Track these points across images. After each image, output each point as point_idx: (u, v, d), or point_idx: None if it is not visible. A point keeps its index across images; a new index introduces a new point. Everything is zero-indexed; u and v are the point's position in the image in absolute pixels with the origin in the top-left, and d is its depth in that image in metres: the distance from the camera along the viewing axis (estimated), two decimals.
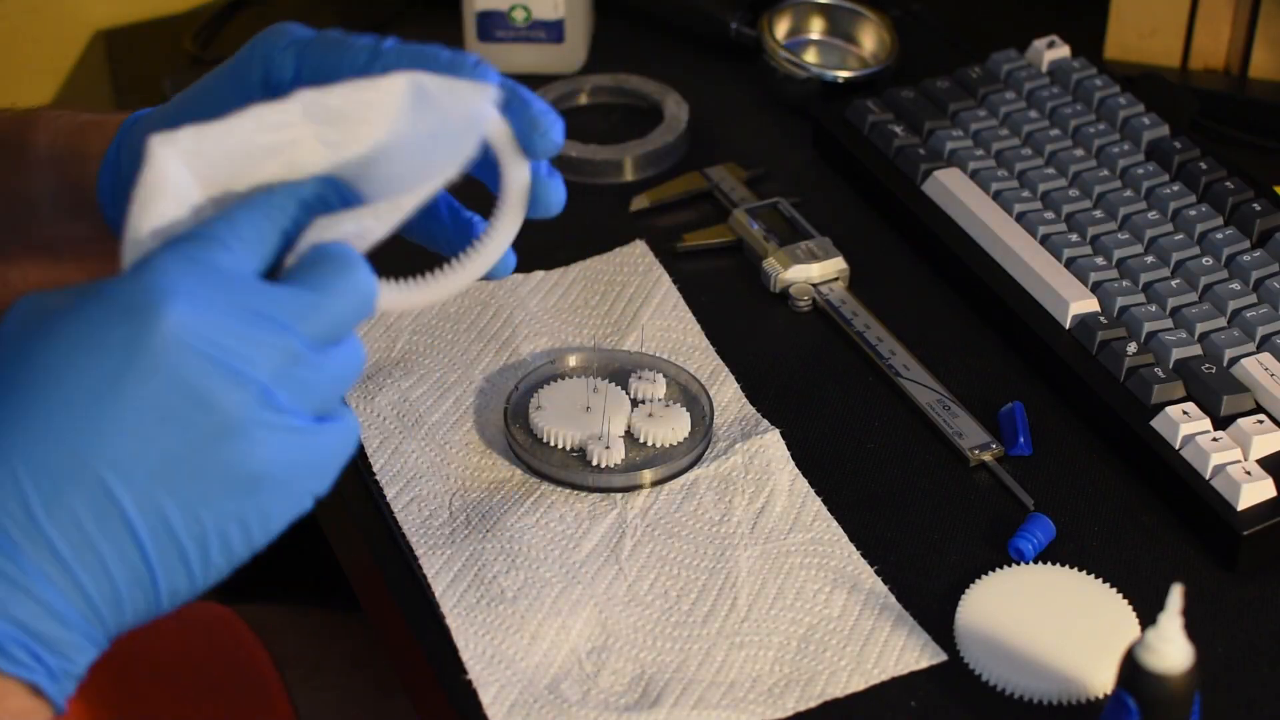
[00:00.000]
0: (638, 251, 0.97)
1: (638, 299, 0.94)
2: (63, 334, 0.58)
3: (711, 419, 0.86)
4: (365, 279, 0.62)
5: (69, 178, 0.76)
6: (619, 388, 0.87)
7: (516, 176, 0.66)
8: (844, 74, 1.09)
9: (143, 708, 0.98)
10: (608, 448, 0.83)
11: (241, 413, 0.58)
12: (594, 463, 0.83)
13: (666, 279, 0.95)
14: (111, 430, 0.57)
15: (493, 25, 1.13)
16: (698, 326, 0.92)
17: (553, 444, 0.84)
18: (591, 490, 0.83)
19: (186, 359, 0.57)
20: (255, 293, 0.60)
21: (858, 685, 0.74)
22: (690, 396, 0.87)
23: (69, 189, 0.76)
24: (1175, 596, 0.63)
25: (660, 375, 0.88)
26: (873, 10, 1.12)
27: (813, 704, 0.73)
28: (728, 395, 0.88)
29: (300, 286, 0.61)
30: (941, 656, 0.75)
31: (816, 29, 1.13)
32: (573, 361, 0.89)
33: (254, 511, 0.60)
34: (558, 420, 0.84)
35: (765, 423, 0.86)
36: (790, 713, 0.73)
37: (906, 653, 0.75)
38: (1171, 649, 0.64)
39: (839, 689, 0.74)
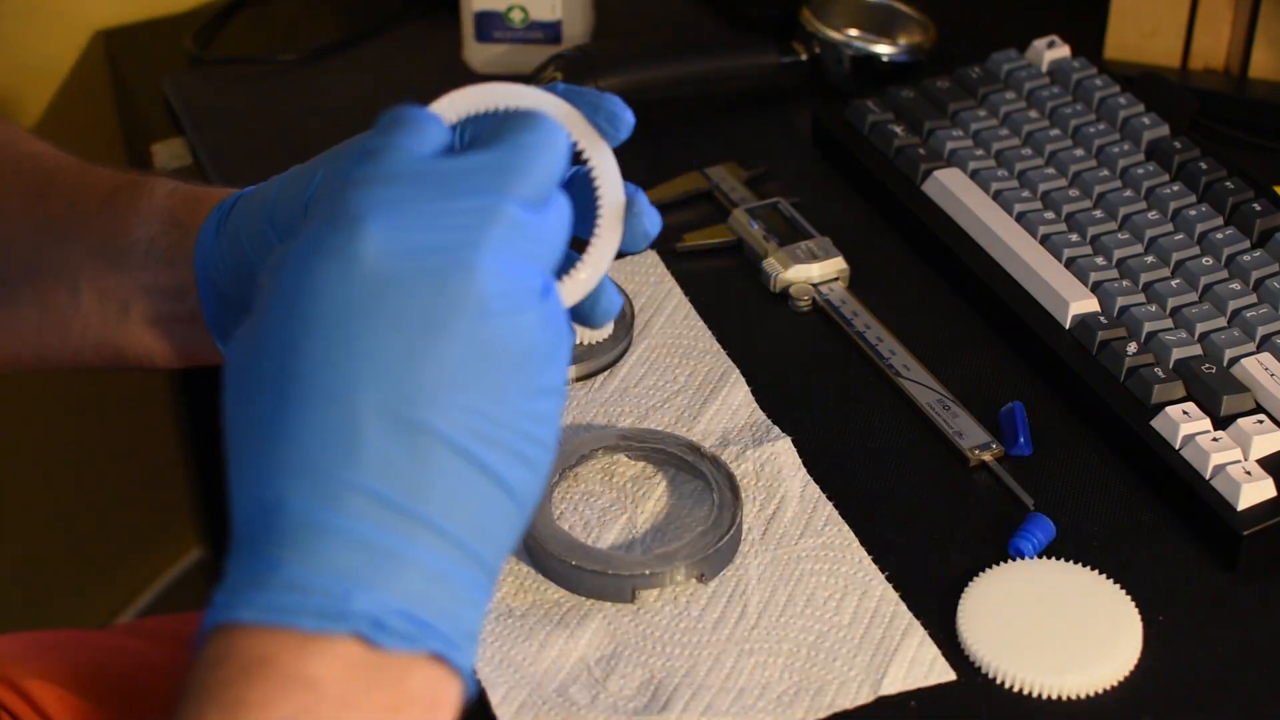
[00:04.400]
0: (649, 261, 0.97)
1: (649, 308, 0.94)
2: (284, 287, 0.56)
3: (632, 320, 0.91)
4: (556, 127, 0.59)
5: (178, 222, 0.75)
6: None
7: (604, 164, 0.65)
8: (888, 50, 1.10)
9: (168, 715, 0.97)
10: None
11: (479, 289, 0.56)
12: None
13: (678, 290, 0.95)
14: (375, 357, 0.55)
15: (490, 26, 1.13)
16: (709, 334, 0.92)
17: None
18: None
19: (399, 266, 0.55)
20: (453, 172, 0.57)
21: (866, 697, 0.74)
22: None
23: (174, 235, 0.76)
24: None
25: None
26: (910, 7, 1.13)
27: (823, 714, 0.73)
28: (738, 399, 0.88)
29: (496, 149, 0.58)
30: (950, 676, 0.75)
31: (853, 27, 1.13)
32: None
33: (539, 390, 0.57)
34: None
35: (776, 430, 0.86)
36: None
37: (916, 666, 0.75)
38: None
39: (849, 700, 0.74)
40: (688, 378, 0.89)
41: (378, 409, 0.55)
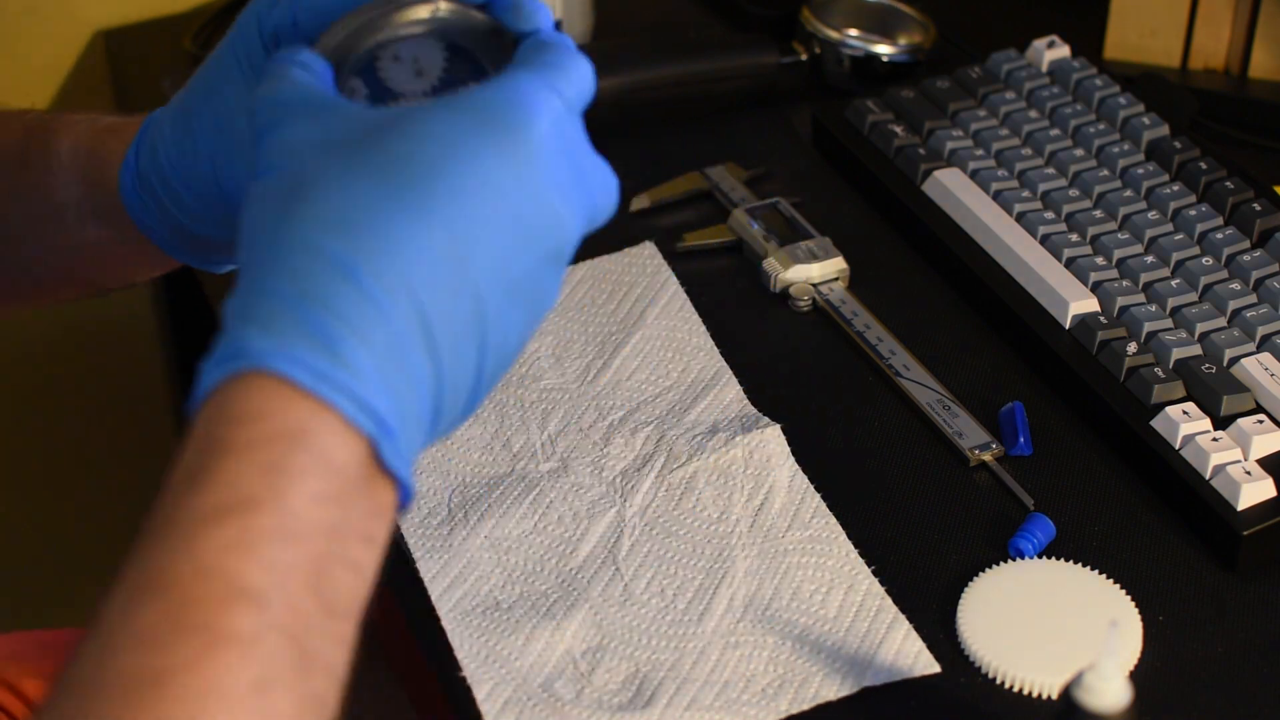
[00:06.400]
0: (646, 253, 0.97)
1: (645, 299, 0.94)
2: (435, 136, 0.58)
3: None
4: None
5: (91, 182, 0.77)
6: None
7: None
8: (888, 50, 1.09)
9: None
10: None
11: (570, 220, 0.60)
12: None
13: (674, 281, 0.95)
14: (481, 224, 0.57)
15: None
16: (703, 328, 0.92)
17: None
18: None
19: (554, 166, 0.59)
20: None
21: (851, 689, 0.74)
22: None
23: (91, 193, 0.77)
24: (1113, 638, 0.62)
25: None
26: (910, 7, 1.13)
27: (806, 706, 0.73)
28: (730, 396, 0.88)
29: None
30: (935, 668, 0.75)
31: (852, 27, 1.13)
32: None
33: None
34: None
35: (766, 419, 0.86)
36: (783, 715, 0.73)
37: (901, 659, 0.75)
38: (1110, 689, 0.63)
39: (833, 692, 0.74)
40: (680, 374, 0.89)
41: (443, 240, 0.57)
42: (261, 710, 0.52)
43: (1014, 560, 0.79)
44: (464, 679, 0.74)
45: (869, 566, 0.79)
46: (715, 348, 0.91)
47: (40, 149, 0.78)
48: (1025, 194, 0.96)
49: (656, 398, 0.88)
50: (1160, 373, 0.85)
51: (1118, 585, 0.78)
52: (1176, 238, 0.92)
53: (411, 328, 0.56)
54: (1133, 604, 0.77)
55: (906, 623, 0.76)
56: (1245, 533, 0.79)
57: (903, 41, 1.11)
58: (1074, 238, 0.93)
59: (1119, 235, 0.93)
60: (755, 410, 0.87)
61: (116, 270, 0.81)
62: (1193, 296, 0.89)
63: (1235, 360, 0.86)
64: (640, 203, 1.02)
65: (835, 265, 0.95)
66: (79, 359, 1.39)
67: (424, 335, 0.56)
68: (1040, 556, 0.80)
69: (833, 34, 1.10)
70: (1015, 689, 0.74)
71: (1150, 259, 0.92)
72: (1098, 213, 0.95)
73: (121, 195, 0.75)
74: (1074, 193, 0.96)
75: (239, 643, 0.52)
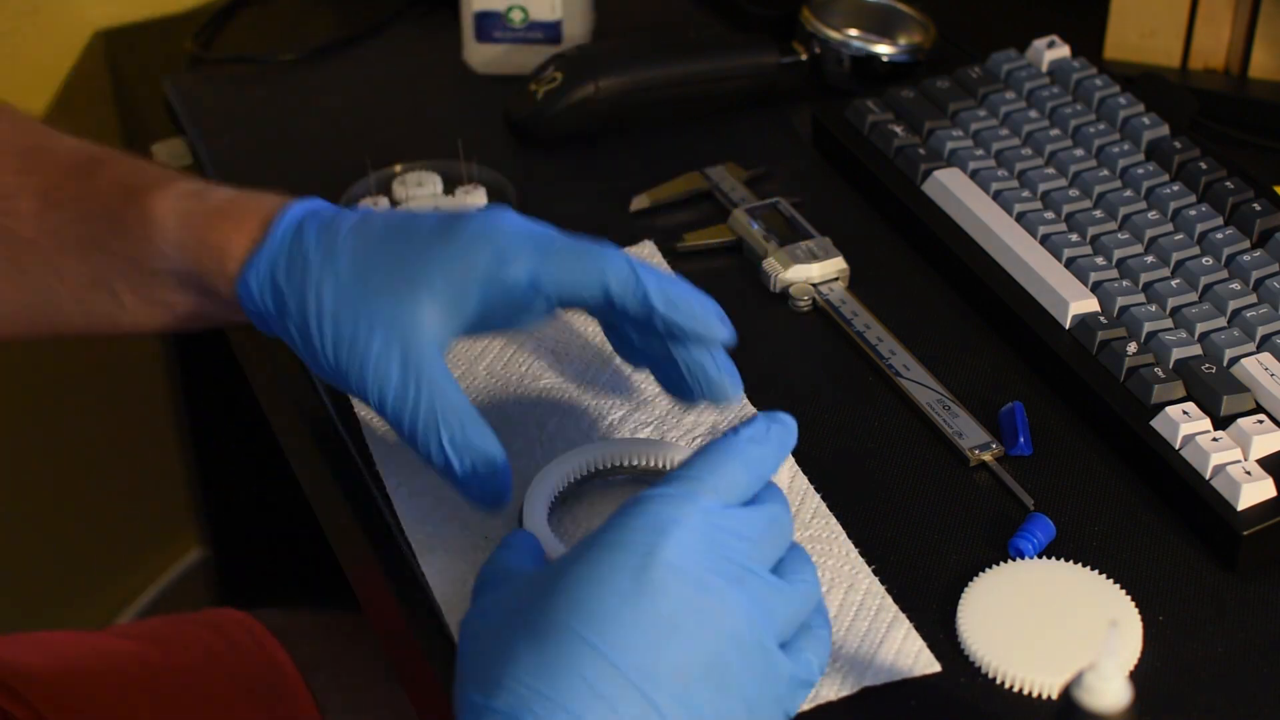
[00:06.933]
0: (646, 252, 0.97)
1: None
2: (579, 576, 0.65)
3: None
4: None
5: (200, 264, 0.78)
6: None
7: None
8: (888, 50, 1.10)
9: (167, 716, 0.98)
10: None
11: (736, 629, 0.65)
12: None
13: None
14: (631, 641, 0.64)
15: (490, 26, 1.13)
16: None
17: None
18: None
19: (685, 584, 0.65)
20: (734, 523, 0.67)
21: (851, 689, 0.74)
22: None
23: (201, 274, 0.78)
24: (1113, 638, 0.62)
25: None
26: (910, 7, 1.13)
27: (806, 706, 0.73)
28: None
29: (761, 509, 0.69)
30: (935, 667, 0.75)
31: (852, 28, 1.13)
32: None
33: None
34: None
35: None
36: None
37: (902, 658, 0.75)
38: (1110, 689, 0.63)
39: (833, 692, 0.74)
40: None
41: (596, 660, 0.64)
42: None
43: (1014, 560, 0.79)
44: None
45: (869, 566, 0.79)
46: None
47: (138, 215, 0.79)
48: (1025, 194, 0.96)
49: (656, 397, 0.88)
50: (1160, 373, 0.85)
51: (1118, 585, 0.78)
52: (1176, 238, 0.92)
53: None
54: (1133, 604, 0.77)
55: (907, 622, 0.76)
56: (1245, 533, 0.79)
57: (903, 41, 1.11)
58: (1074, 238, 0.93)
59: (1119, 235, 0.93)
60: (755, 410, 0.87)
61: (199, 323, 0.83)
62: (1193, 296, 0.89)
63: (1235, 360, 0.86)
64: (640, 203, 1.02)
65: (835, 265, 0.95)
66: (80, 359, 1.39)
67: None
68: (1040, 556, 0.80)
69: (833, 34, 1.10)
70: (1015, 689, 0.74)
71: (1150, 259, 0.92)
72: (1098, 213, 0.95)
73: (240, 287, 0.77)
74: (1074, 193, 0.96)
75: None
